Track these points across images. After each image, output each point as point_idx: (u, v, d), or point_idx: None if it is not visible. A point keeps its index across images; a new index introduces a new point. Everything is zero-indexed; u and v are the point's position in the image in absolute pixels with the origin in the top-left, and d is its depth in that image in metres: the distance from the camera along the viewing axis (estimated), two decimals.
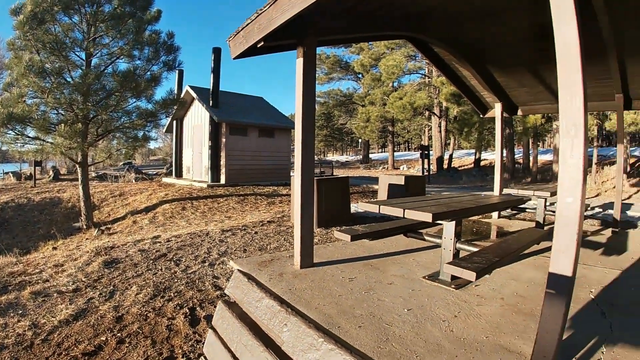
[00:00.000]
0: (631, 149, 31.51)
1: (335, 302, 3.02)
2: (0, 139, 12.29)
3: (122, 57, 13.53)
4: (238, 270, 3.72)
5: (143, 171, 26.95)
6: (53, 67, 11.97)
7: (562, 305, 2.03)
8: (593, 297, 3.28)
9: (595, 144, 24.05)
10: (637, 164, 27.07)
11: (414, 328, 2.59)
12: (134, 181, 21.19)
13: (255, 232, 7.17)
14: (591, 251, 5.12)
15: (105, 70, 13.35)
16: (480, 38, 6.01)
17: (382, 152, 67.90)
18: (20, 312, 3.94)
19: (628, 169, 22.21)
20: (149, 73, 13.82)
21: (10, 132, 11.79)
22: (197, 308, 3.93)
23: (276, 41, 3.87)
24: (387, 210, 3.45)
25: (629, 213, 9.82)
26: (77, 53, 12.95)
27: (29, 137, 12.27)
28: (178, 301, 4.04)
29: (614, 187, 7.27)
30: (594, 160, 22.30)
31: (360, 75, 41.99)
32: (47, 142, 12.33)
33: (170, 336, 3.53)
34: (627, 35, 5.05)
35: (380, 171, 36.29)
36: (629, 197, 15.22)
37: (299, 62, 4.01)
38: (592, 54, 5.45)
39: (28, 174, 24.23)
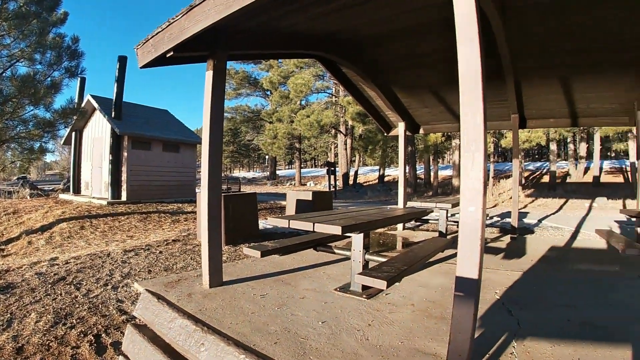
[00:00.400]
0: (525, 163, 34.79)
1: (248, 320, 2.94)
2: None
3: (22, 59, 12.18)
4: (146, 290, 3.51)
5: (39, 187, 24.57)
6: None
7: (471, 306, 2.15)
8: (499, 297, 3.53)
9: (492, 159, 26.26)
10: (531, 177, 29.93)
11: (330, 340, 2.60)
12: (28, 197, 19.26)
13: (160, 252, 6.83)
14: (493, 256, 5.52)
15: (4, 74, 12.08)
16: (386, 60, 6.32)
17: (289, 168, 68.45)
18: None
19: (523, 181, 24.46)
20: (49, 79, 12.56)
21: None
22: (103, 334, 3.63)
23: (186, 52, 3.76)
24: (297, 224, 3.46)
25: (525, 220, 10.79)
26: None
27: None
28: (81, 328, 3.70)
29: (511, 198, 8.00)
30: (491, 174, 24.31)
31: (268, 92, 42.15)
32: None
33: None
34: (523, 63, 5.61)
35: (288, 187, 36.52)
36: (525, 207, 16.76)
37: (209, 75, 3.93)
38: (492, 77, 5.98)
39: None
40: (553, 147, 25.77)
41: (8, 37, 12.00)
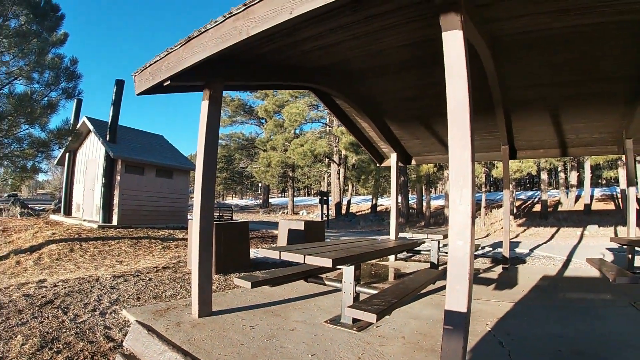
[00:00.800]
0: (517, 193, 34.98)
1: (237, 351, 2.91)
2: None
3: (20, 78, 12.18)
4: (137, 321, 3.47)
5: (29, 205, 24.32)
6: None
7: (460, 339, 2.16)
8: (490, 329, 3.52)
9: (484, 189, 26.37)
10: (523, 206, 30.06)
11: None
12: (19, 216, 19.03)
13: (150, 279, 6.75)
14: (484, 287, 5.53)
15: (1, 90, 12.07)
16: (379, 93, 6.45)
17: (282, 196, 68.28)
18: None
19: (515, 210, 24.53)
20: (46, 99, 12.50)
21: None
22: None
23: (183, 82, 3.83)
24: (288, 256, 3.46)
25: (517, 250, 10.79)
26: None
27: None
28: (68, 353, 3.62)
29: (502, 228, 8.05)
30: (483, 204, 24.33)
31: (263, 121, 42.49)
32: None
33: None
34: (512, 95, 5.75)
35: (280, 216, 36.37)
36: (517, 236, 16.77)
37: (204, 104, 3.99)
38: (482, 109, 6.11)
39: None
40: (544, 176, 25.99)
41: (8, 55, 12.00)
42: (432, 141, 7.95)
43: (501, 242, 8.20)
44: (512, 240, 13.73)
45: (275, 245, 11.49)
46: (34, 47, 12.05)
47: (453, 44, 2.50)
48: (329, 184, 40.48)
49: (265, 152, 37.36)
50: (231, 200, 71.01)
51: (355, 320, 3.53)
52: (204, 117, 3.98)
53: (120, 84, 17.01)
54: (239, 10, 2.94)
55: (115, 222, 15.75)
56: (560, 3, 3.39)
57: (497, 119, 6.41)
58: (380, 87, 6.24)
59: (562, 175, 29.45)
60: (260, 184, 51.07)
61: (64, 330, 4.18)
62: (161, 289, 6.08)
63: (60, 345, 3.81)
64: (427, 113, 6.88)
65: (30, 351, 3.63)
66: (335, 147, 32.37)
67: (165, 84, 3.79)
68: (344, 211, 34.15)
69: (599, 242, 13.76)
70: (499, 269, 7.27)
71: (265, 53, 4.40)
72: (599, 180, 39.41)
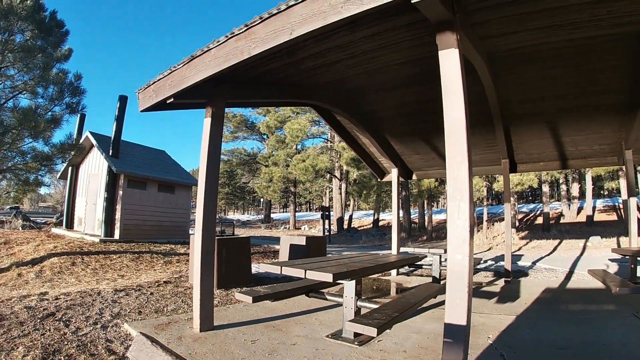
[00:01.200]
0: (519, 205, 34.88)
1: None
2: None
3: (25, 92, 12.30)
4: (140, 333, 3.50)
5: (31, 218, 24.35)
6: None
7: (460, 352, 2.19)
8: (491, 342, 3.53)
9: (485, 203, 26.32)
10: (525, 219, 29.97)
11: None
12: (20, 229, 19.05)
13: (151, 293, 6.76)
14: (487, 300, 5.53)
15: (6, 104, 12.18)
16: (378, 109, 6.53)
17: (283, 212, 68.20)
18: None
19: (517, 223, 24.45)
20: (50, 113, 12.60)
21: None
22: None
23: (186, 99, 3.91)
24: (289, 271, 3.50)
25: (520, 263, 10.77)
26: None
27: None
28: None
29: (505, 241, 8.09)
30: (485, 217, 24.29)
31: (265, 136, 42.69)
32: None
33: None
34: (511, 109, 5.82)
35: (282, 231, 36.31)
36: (519, 249, 16.71)
37: (207, 121, 4.06)
38: (481, 124, 6.19)
39: None
40: (545, 188, 25.96)
41: (12, 69, 12.15)
42: (433, 156, 8.01)
43: (503, 255, 8.22)
44: (514, 254, 13.72)
45: (277, 260, 11.50)
46: (39, 62, 12.18)
47: (449, 63, 2.57)
48: (330, 199, 40.49)
49: (267, 167, 37.46)
50: (233, 215, 70.96)
51: (356, 335, 3.55)
52: (207, 134, 4.04)
53: (123, 100, 17.16)
54: (241, 31, 3.02)
55: (117, 236, 15.77)
56: (554, 18, 3.46)
57: (496, 133, 6.48)
58: (380, 104, 6.32)
59: (563, 187, 29.35)
60: (262, 199, 51.15)
61: (66, 343, 4.19)
62: (163, 303, 6.10)
63: (62, 357, 3.82)
64: (427, 128, 6.95)
65: None
66: (337, 162, 32.47)
67: (168, 102, 3.87)
68: (345, 226, 34.12)
69: (601, 253, 13.71)
70: (501, 283, 7.29)
71: (266, 71, 4.48)
72: (601, 192, 39.35)
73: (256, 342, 3.48)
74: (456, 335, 2.23)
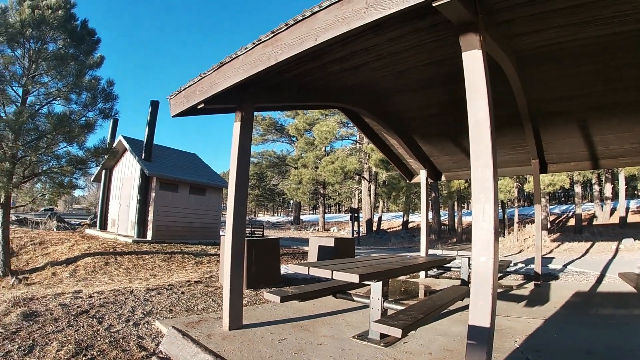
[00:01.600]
0: (550, 207, 34.04)
1: None
2: None
3: (59, 98, 12.77)
4: (172, 327, 3.62)
5: (65, 220, 25.15)
6: None
7: (483, 355, 2.19)
8: (518, 346, 3.51)
9: (516, 204, 25.78)
10: (557, 221, 29.22)
11: None
12: (55, 230, 19.74)
13: (182, 292, 6.92)
14: (515, 304, 5.47)
15: (40, 111, 12.63)
16: (406, 110, 6.52)
17: (313, 213, 68.36)
18: None
19: (548, 225, 23.87)
20: (84, 119, 13.05)
21: None
22: None
23: (216, 104, 4.02)
24: (316, 272, 3.55)
25: (550, 266, 10.55)
26: (14, 88, 12.03)
27: None
28: None
29: (535, 244, 7.97)
30: (516, 219, 23.80)
31: (294, 139, 42.96)
32: None
33: None
34: (539, 108, 5.72)
35: (311, 233, 36.41)
36: (550, 252, 16.33)
37: (237, 126, 4.16)
38: (510, 124, 6.11)
39: None
40: (578, 189, 25.23)
41: (46, 76, 12.62)
42: (462, 157, 7.94)
43: (534, 258, 8.07)
44: (545, 256, 13.42)
45: (305, 261, 11.58)
46: (72, 70, 12.60)
47: (473, 64, 2.58)
48: (359, 201, 40.37)
49: (296, 169, 37.68)
50: (263, 216, 71.58)
51: (383, 336, 3.57)
52: (236, 138, 4.14)
53: (155, 105, 17.62)
54: (268, 38, 3.10)
55: (149, 237, 16.16)
56: (580, 15, 3.40)
57: (525, 133, 6.38)
58: (406, 105, 6.32)
59: (596, 187, 28.46)
60: (291, 201, 51.41)
61: (99, 339, 4.35)
62: (193, 302, 6.24)
63: (95, 352, 3.97)
64: (455, 129, 6.90)
65: (65, 357, 3.80)
66: (366, 164, 32.38)
67: (199, 107, 3.99)
68: (374, 228, 33.99)
69: (634, 255, 13.28)
70: (530, 286, 7.17)
71: (293, 76, 4.56)
72: (635, 192, 38.04)
73: (283, 342, 3.55)
74: (480, 338, 2.24)
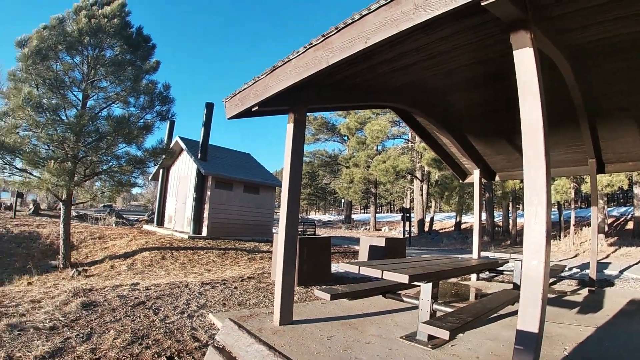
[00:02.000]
0: (609, 209, 32.20)
1: (313, 359, 3.08)
2: None
3: (117, 102, 13.63)
4: (229, 319, 3.77)
5: (124, 216, 26.45)
6: (50, 104, 12.00)
7: None
8: (567, 353, 3.40)
9: (573, 206, 24.60)
10: (615, 224, 27.64)
11: None
12: (114, 225, 20.90)
13: (235, 287, 7.13)
14: (567, 310, 5.28)
15: (100, 114, 13.39)
16: (458, 109, 6.41)
17: (364, 212, 68.16)
18: None
19: (606, 228, 22.59)
20: (142, 121, 13.83)
21: None
22: (175, 358, 3.87)
23: (270, 107, 4.14)
24: (366, 271, 3.59)
25: (606, 272, 10.06)
26: (74, 93, 12.94)
27: (16, 168, 12.18)
28: (156, 349, 3.99)
29: (591, 248, 7.65)
30: (572, 222, 22.73)
31: (345, 138, 43.09)
32: (34, 176, 12.25)
33: None
34: (596, 105, 5.46)
35: (362, 232, 36.33)
36: (607, 257, 15.52)
37: (290, 127, 4.26)
38: (565, 122, 5.88)
39: (8, 204, 23.91)
40: (637, 190, 23.60)
41: (105, 81, 13.53)
42: (516, 156, 7.70)
43: (589, 263, 7.73)
44: (601, 261, 12.78)
45: (356, 260, 11.60)
46: (129, 75, 13.44)
47: (524, 62, 2.53)
48: (411, 201, 39.88)
49: (348, 168, 37.74)
50: (314, 215, 72.12)
51: (430, 337, 3.56)
52: (289, 139, 4.24)
53: (210, 107, 18.23)
54: (319, 41, 3.17)
55: (204, 233, 16.71)
56: (636, 6, 3.24)
57: (582, 131, 6.10)
58: (458, 104, 6.22)
59: None
60: (343, 200, 51.57)
61: (154, 329, 4.58)
62: (246, 297, 6.43)
63: (150, 341, 4.19)
64: (509, 128, 6.69)
65: (122, 345, 4.03)
66: (418, 163, 31.95)
67: (253, 109, 4.12)
68: (426, 228, 33.49)
69: None
70: (584, 292, 6.87)
71: (344, 77, 4.61)
72: None
73: (332, 339, 3.61)
74: (527, 343, 2.20)
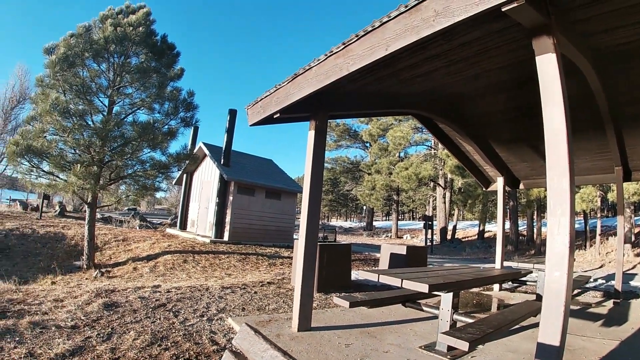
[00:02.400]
0: (636, 218, 31.23)
1: None
2: (16, 168, 12.57)
3: (142, 108, 14.00)
4: (246, 324, 3.77)
5: (148, 219, 26.92)
6: (76, 109, 12.40)
7: None
8: None
9: (599, 215, 23.94)
10: None
11: None
12: (137, 228, 21.27)
13: (255, 292, 7.15)
14: (591, 323, 5.14)
15: (125, 119, 13.79)
16: (480, 115, 6.33)
17: (386, 220, 67.66)
18: (17, 339, 3.94)
19: (633, 238, 21.94)
20: (166, 127, 14.17)
21: (25, 163, 12.21)
22: None
23: (291, 114, 4.17)
24: (386, 279, 3.56)
25: (632, 283, 9.76)
26: (100, 99, 13.37)
27: (43, 171, 12.58)
28: (174, 351, 4.02)
29: (616, 258, 7.44)
30: (598, 231, 22.11)
31: (368, 144, 42.86)
32: (61, 178, 12.62)
33: None
34: (624, 110, 5.32)
35: (384, 239, 36.00)
36: (633, 267, 15.03)
37: (311, 134, 4.27)
38: (590, 128, 5.75)
39: (35, 205, 24.60)
40: None
41: (130, 88, 13.90)
42: (540, 164, 7.54)
43: (615, 274, 7.52)
44: (627, 272, 12.38)
45: (376, 268, 11.53)
46: (154, 82, 13.78)
47: (547, 68, 2.49)
48: (434, 208, 39.41)
49: (369, 175, 37.55)
50: (336, 221, 71.98)
51: (450, 349, 3.50)
52: (311, 146, 4.25)
53: (233, 113, 18.43)
54: (339, 49, 3.18)
55: (226, 238, 16.84)
56: None
57: (608, 138, 5.95)
58: (481, 110, 6.14)
59: None
60: (364, 207, 51.27)
61: (173, 331, 4.62)
62: (265, 302, 6.44)
63: (169, 343, 4.23)
64: (534, 134, 6.57)
65: (141, 346, 4.07)
66: (441, 170, 31.59)
67: (275, 117, 4.15)
68: (449, 237, 33.04)
69: None
70: (609, 304, 6.67)
71: (365, 84, 4.60)
72: None
73: (350, 346, 3.59)
74: (548, 356, 2.15)
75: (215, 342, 4.42)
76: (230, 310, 5.72)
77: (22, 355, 3.59)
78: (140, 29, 13.11)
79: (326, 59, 3.34)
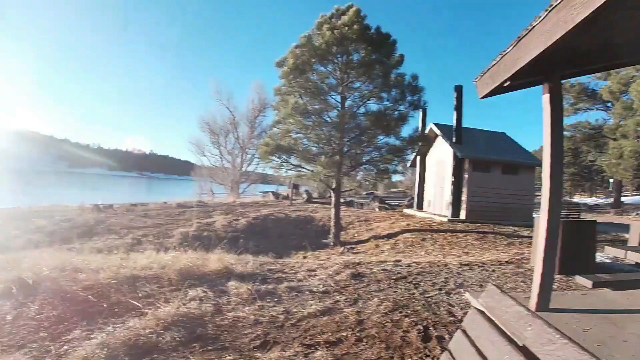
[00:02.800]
0: None
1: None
2: (269, 165, 15.65)
3: (371, 98, 15.22)
4: (492, 283, 3.84)
5: (385, 201, 28.58)
6: (314, 109, 14.48)
7: None
8: None
9: None
10: None
11: None
12: (377, 210, 22.90)
13: (493, 270, 7.02)
14: None
15: (358, 111, 15.23)
16: None
17: (638, 194, 55.51)
18: (276, 300, 4.84)
19: None
20: (396, 112, 15.03)
21: (276, 159, 14.93)
22: (431, 328, 4.12)
23: (521, 79, 3.96)
24: (634, 257, 3.13)
25: None
26: (333, 96, 15.17)
27: (292, 164, 15.23)
28: (414, 318, 4.33)
29: None
30: None
31: (609, 104, 35.35)
32: (307, 169, 14.73)
33: (403, 345, 3.75)
34: None
35: (634, 218, 29.46)
36: None
37: (545, 98, 3.98)
38: None
39: (284, 195, 29.89)
40: None
41: (357, 82, 15.16)
42: None
43: None
44: None
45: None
46: (378, 72, 14.65)
47: None
48: None
49: (615, 140, 30.94)
50: (579, 198, 62.94)
51: None
52: (546, 111, 3.96)
53: (459, 89, 18.01)
54: (558, 2, 2.89)
55: (462, 217, 16.71)
56: None
57: None
58: None
59: None
60: (611, 180, 43.09)
61: (413, 301, 4.97)
62: (503, 280, 6.32)
63: (409, 311, 4.57)
64: None
65: (384, 311, 4.51)
66: None
67: (505, 85, 3.99)
68: None
69: None
70: None
71: (594, 34, 4.00)
72: None
73: (587, 331, 3.30)
74: None
75: (452, 314, 4.59)
76: (467, 286, 5.82)
77: (280, 312, 4.41)
78: (355, 26, 14.03)
79: (547, 14, 3.06)
